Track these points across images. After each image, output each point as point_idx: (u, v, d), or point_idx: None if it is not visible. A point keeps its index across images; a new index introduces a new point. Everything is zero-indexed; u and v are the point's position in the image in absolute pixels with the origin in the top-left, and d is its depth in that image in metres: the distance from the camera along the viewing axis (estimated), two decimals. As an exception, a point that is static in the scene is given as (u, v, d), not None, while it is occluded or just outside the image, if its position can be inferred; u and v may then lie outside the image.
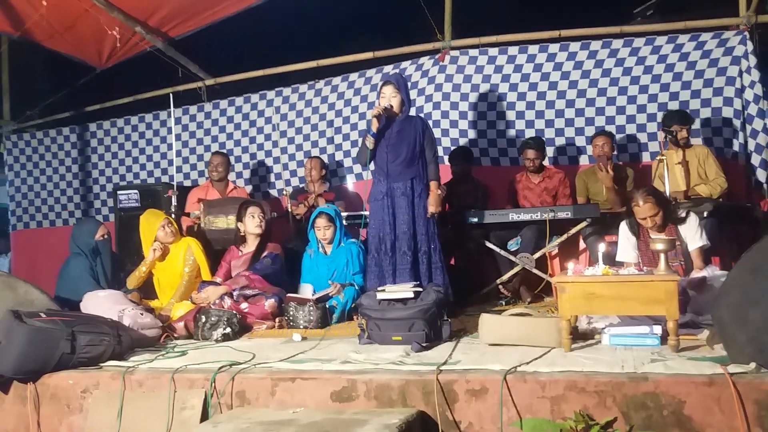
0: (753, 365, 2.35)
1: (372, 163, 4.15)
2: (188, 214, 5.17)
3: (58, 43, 6.30)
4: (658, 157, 4.45)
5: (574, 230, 4.44)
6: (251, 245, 4.43)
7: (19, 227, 7.33)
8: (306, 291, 4.11)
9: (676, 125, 4.55)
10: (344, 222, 4.61)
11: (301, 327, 3.85)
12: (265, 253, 4.36)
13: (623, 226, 3.65)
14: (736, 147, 5.06)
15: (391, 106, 4.04)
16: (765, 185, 4.87)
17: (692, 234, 3.47)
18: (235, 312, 3.81)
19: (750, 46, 4.97)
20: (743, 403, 2.24)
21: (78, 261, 4.41)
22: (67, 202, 7.21)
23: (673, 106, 5.19)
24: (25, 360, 2.95)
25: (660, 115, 5.22)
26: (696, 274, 3.38)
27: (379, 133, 4.08)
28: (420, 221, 4.03)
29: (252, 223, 4.41)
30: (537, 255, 4.49)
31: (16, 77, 7.20)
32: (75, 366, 3.03)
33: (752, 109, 4.91)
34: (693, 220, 3.50)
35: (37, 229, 7.25)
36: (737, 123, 5.06)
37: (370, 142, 4.04)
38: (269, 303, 3.96)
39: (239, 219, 4.49)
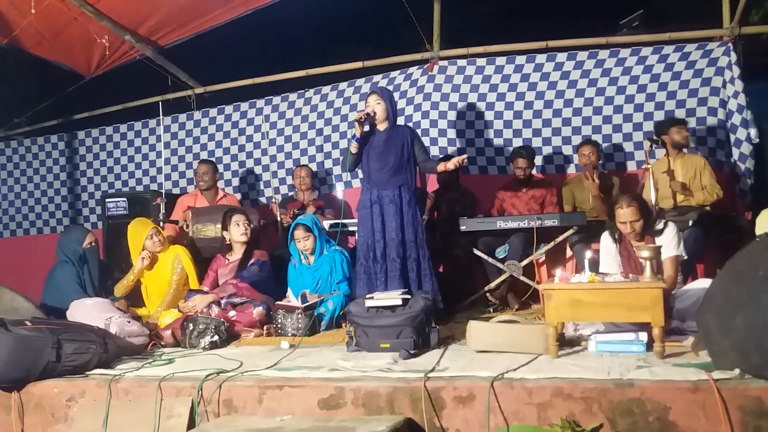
0: (737, 371, 2.38)
1: (359, 170, 4.16)
2: (176, 222, 5.16)
3: (47, 51, 6.28)
4: (644, 167, 4.50)
5: (561, 238, 4.47)
6: (237, 253, 4.42)
7: (5, 235, 7.27)
8: (291, 297, 4.09)
9: (676, 126, 4.61)
10: (330, 229, 4.61)
11: (289, 334, 3.85)
12: (252, 261, 4.35)
13: (605, 237, 3.66)
14: (720, 156, 5.12)
15: (374, 113, 4.06)
16: (749, 194, 4.93)
17: (667, 242, 3.43)
18: (222, 320, 3.80)
19: (734, 57, 5.03)
20: (727, 408, 2.26)
21: (65, 269, 4.38)
22: (54, 209, 7.16)
23: (659, 115, 5.26)
24: (10, 368, 2.93)
25: (646, 125, 5.30)
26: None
27: (367, 143, 4.10)
28: (409, 228, 4.04)
29: (237, 231, 4.40)
30: (524, 262, 4.51)
31: (3, 84, 7.17)
32: (60, 374, 3.02)
33: (736, 119, 4.98)
34: (670, 230, 3.47)
35: (24, 237, 7.20)
36: (721, 132, 5.13)
37: (353, 147, 4.06)
38: (257, 311, 3.96)
39: (224, 228, 4.48)
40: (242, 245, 4.40)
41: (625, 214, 3.44)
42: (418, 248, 4.03)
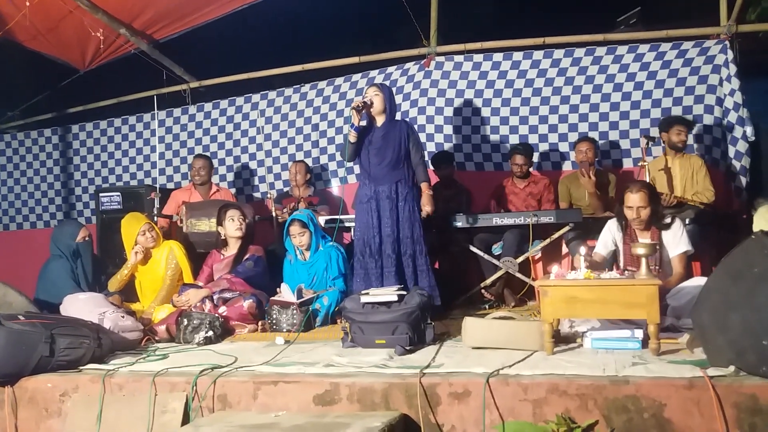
0: (732, 368, 2.38)
1: (357, 164, 4.16)
2: (171, 217, 5.13)
3: (41, 44, 6.23)
4: (639, 164, 4.50)
5: (557, 235, 4.47)
6: (233, 248, 4.40)
7: (-2, 229, 7.24)
8: (285, 290, 4.07)
9: (677, 126, 4.61)
10: (326, 225, 4.59)
11: (285, 330, 3.84)
12: (247, 256, 4.33)
13: (611, 222, 3.65)
14: (716, 154, 5.13)
15: (372, 102, 4.04)
16: (744, 192, 4.93)
17: (675, 240, 3.46)
18: (217, 315, 3.79)
19: (730, 55, 5.04)
20: (722, 405, 2.26)
21: (58, 263, 4.36)
22: (48, 203, 7.13)
23: (656, 113, 5.26)
24: (3, 363, 2.92)
25: (643, 122, 5.31)
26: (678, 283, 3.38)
27: (365, 137, 4.08)
28: (405, 224, 4.02)
29: (232, 227, 4.37)
30: (520, 259, 4.51)
31: (-3, 78, 7.12)
32: (54, 369, 3.00)
33: (732, 117, 4.98)
34: (677, 225, 3.49)
35: (17, 231, 7.16)
36: (717, 130, 5.13)
37: (352, 136, 4.04)
38: (247, 303, 3.94)
39: (219, 223, 4.45)
40: (237, 240, 4.38)
41: (633, 198, 3.44)
42: (415, 244, 4.02)
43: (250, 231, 4.55)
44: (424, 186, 4.08)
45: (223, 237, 4.44)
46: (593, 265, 3.28)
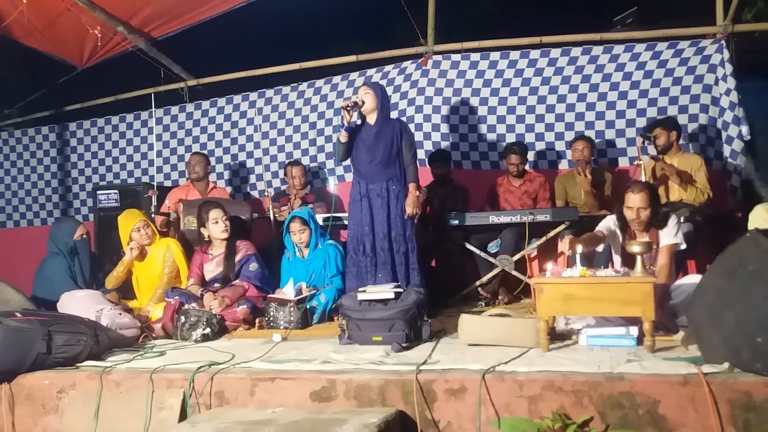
0: (726, 365, 2.39)
1: (350, 163, 4.17)
2: (168, 215, 5.13)
3: (38, 41, 6.22)
4: (636, 162, 4.52)
5: (552, 233, 4.49)
6: (219, 247, 4.32)
7: (-4, 226, 7.23)
8: (287, 289, 4.07)
9: (657, 128, 4.66)
10: (322, 223, 4.60)
11: (282, 327, 3.85)
12: (242, 256, 4.27)
13: (609, 218, 3.61)
14: (711, 153, 5.15)
15: (363, 102, 4.04)
16: (739, 191, 4.95)
17: (667, 233, 3.43)
18: (214, 312, 3.79)
19: (726, 55, 5.06)
20: (717, 402, 2.27)
21: (56, 261, 4.36)
22: (45, 201, 7.12)
23: (652, 112, 5.29)
24: (0, 360, 2.91)
25: (639, 121, 5.33)
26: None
27: (358, 135, 4.08)
28: (397, 222, 4.02)
29: (217, 229, 4.26)
30: (516, 257, 4.53)
31: (-6, 75, 7.11)
32: (51, 366, 3.00)
33: (728, 116, 5.00)
34: (672, 220, 3.47)
35: (15, 229, 7.16)
36: (713, 130, 5.16)
37: (342, 136, 4.03)
38: (241, 310, 3.95)
39: (201, 224, 4.33)
40: (223, 240, 4.34)
41: (634, 199, 3.38)
42: (407, 242, 4.01)
43: (241, 228, 4.51)
44: (411, 186, 4.06)
45: (207, 238, 4.36)
46: (589, 242, 3.26)
